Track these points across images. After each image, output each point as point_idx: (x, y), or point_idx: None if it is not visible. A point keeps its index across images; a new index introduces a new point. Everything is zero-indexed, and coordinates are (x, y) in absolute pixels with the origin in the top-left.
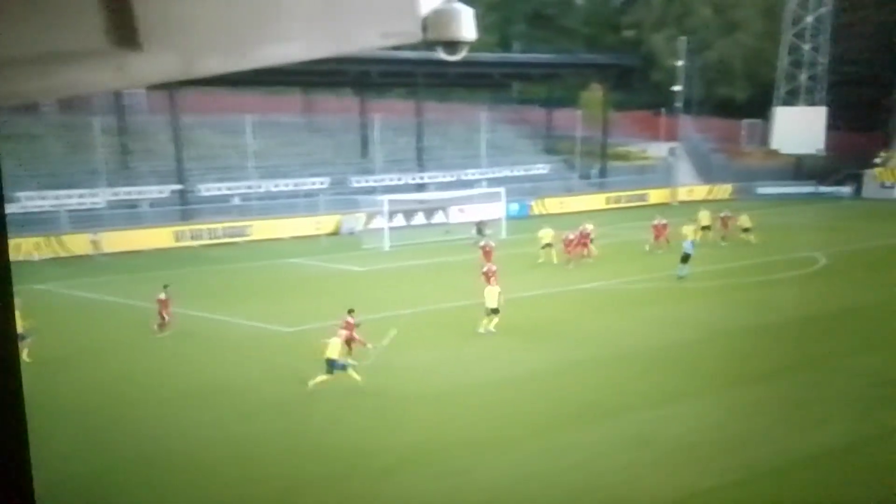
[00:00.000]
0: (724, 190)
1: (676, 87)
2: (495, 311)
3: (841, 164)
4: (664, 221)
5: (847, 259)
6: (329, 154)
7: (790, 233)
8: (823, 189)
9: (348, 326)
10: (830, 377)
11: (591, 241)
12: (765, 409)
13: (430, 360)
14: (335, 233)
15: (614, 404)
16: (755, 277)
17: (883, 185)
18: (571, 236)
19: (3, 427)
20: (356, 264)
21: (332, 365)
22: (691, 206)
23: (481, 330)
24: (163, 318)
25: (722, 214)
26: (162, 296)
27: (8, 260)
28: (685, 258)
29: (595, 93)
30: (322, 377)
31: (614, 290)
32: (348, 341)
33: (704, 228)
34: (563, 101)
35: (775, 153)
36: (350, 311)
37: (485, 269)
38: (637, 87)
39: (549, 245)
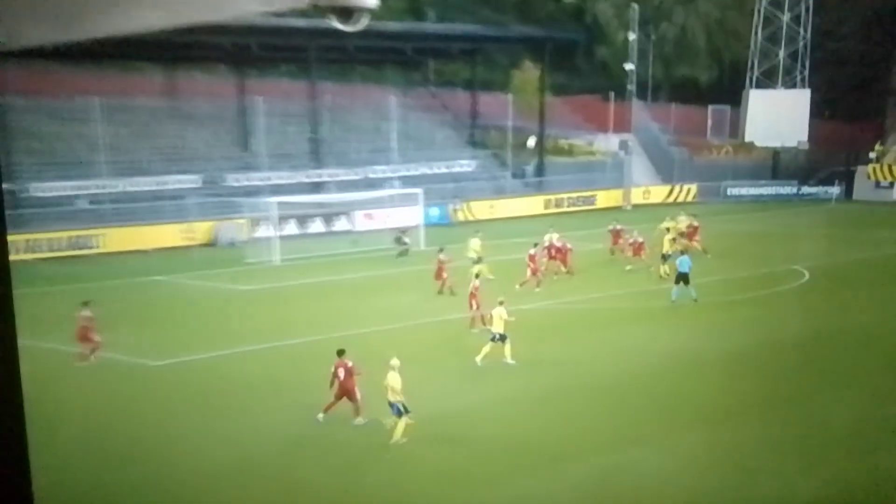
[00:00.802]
0: (687, 191)
1: (628, 67)
2: (502, 338)
3: (827, 159)
4: (619, 227)
5: (835, 273)
6: (201, 146)
7: (767, 243)
8: (807, 190)
9: (346, 370)
10: (809, 415)
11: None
12: (735, 453)
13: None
14: (211, 243)
15: (571, 447)
16: (727, 296)
17: (878, 185)
18: (534, 252)
19: (3, 429)
20: (238, 282)
21: (395, 408)
22: (647, 211)
23: (479, 359)
24: (89, 341)
25: (689, 222)
26: (86, 313)
27: (8, 264)
28: (683, 278)
29: (529, 73)
30: (394, 421)
31: (562, 312)
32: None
33: (680, 236)
34: (491, 84)
35: (749, 147)
36: (340, 353)
37: (471, 289)
38: (580, 67)
39: (479, 260)
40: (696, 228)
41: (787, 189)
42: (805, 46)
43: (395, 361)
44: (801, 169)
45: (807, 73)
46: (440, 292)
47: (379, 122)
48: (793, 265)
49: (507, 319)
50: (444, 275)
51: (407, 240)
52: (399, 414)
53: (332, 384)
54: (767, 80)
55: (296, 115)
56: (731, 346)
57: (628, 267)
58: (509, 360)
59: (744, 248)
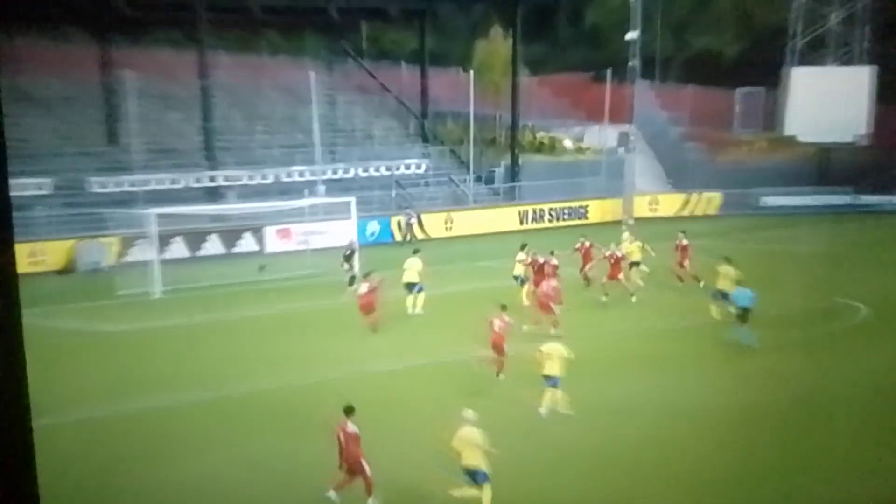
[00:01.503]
0: (707, 201)
1: (630, 36)
2: (555, 382)
3: (893, 160)
4: (587, 243)
5: None
6: (50, 139)
7: (813, 268)
8: (865, 199)
9: (347, 436)
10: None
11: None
12: None
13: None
14: (67, 269)
15: None
16: (771, 339)
17: None
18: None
19: (8, 429)
20: (105, 321)
21: (474, 476)
22: (655, 227)
23: (543, 410)
24: None
25: (678, 241)
26: None
27: (14, 265)
28: (742, 315)
29: (497, 44)
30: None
31: (593, 348)
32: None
33: (633, 265)
34: (447, 58)
35: (789, 142)
36: (348, 412)
37: (497, 326)
38: (565, 36)
39: (410, 285)
40: (685, 249)
41: (840, 198)
42: (865, 8)
43: (469, 413)
44: (858, 172)
45: (867, 43)
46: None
47: (295, 108)
48: (847, 298)
49: (568, 358)
50: (374, 307)
51: (355, 262)
52: (479, 483)
53: (340, 455)
54: (814, 53)
55: (181, 98)
56: (775, 399)
57: (604, 298)
58: (566, 410)
59: (782, 275)
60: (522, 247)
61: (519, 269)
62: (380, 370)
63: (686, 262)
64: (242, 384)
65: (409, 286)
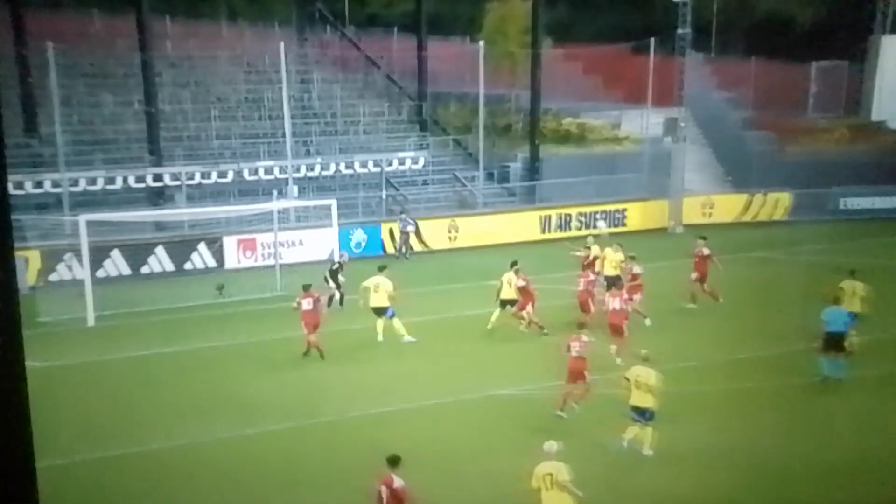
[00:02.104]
0: (775, 203)
1: None
2: (644, 415)
3: None
4: (589, 254)
5: None
6: None
7: None
8: None
9: (395, 495)
10: None
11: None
12: None
13: None
14: None
15: None
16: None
17: None
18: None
19: (8, 429)
20: (29, 356)
21: None
22: (709, 235)
23: (625, 442)
24: None
25: (698, 250)
26: None
27: (14, 268)
28: (834, 342)
29: (513, 7)
30: None
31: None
32: None
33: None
34: (450, 24)
35: (878, 130)
36: (393, 462)
37: (575, 350)
38: None
39: (379, 310)
40: (705, 260)
41: None
42: None
43: (552, 446)
44: None
45: None
46: (306, 353)
47: (260, 87)
48: None
49: (659, 386)
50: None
51: (341, 278)
52: None
53: None
54: None
55: (116, 75)
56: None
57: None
58: (647, 451)
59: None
60: (513, 265)
61: (508, 293)
62: (390, 410)
63: (703, 277)
64: (204, 431)
65: (379, 311)
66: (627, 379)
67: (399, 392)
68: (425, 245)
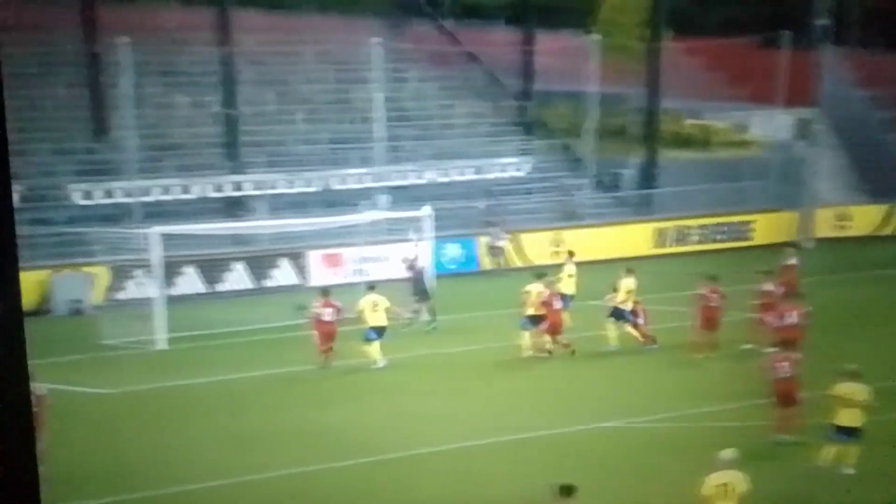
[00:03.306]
0: None
1: None
2: (851, 434)
3: None
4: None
5: None
6: (10, 130)
7: None
8: None
9: None
10: None
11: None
12: None
13: None
14: (40, 310)
15: None
16: None
17: None
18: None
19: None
20: (90, 382)
21: None
22: (841, 250)
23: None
24: None
25: (788, 261)
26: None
27: (17, 273)
28: None
29: None
30: None
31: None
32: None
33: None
34: (559, 16)
35: None
36: (567, 493)
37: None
38: None
39: (381, 330)
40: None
41: None
42: None
43: (728, 454)
44: None
45: None
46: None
47: (349, 87)
48: None
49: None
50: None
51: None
52: None
53: None
54: None
55: (191, 74)
56: None
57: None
58: (849, 469)
59: None
60: (540, 276)
61: (538, 309)
62: (487, 442)
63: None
64: (287, 465)
65: (379, 331)
66: (834, 397)
67: (492, 422)
68: (526, 260)
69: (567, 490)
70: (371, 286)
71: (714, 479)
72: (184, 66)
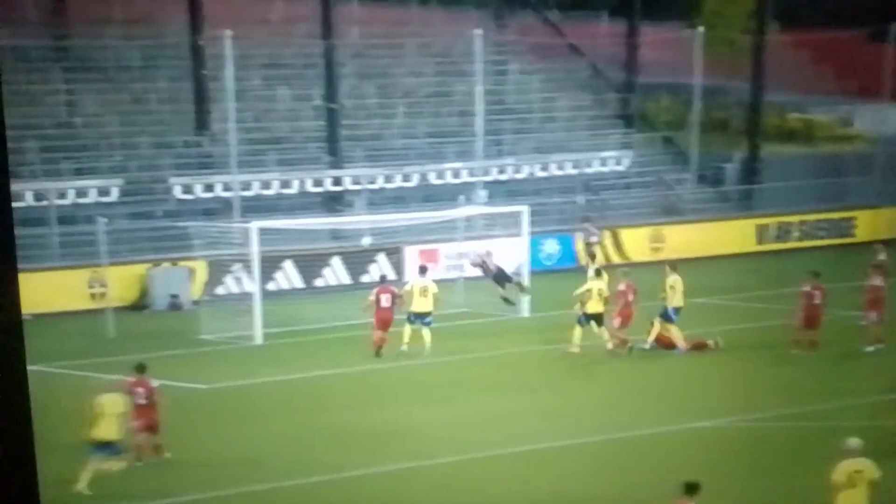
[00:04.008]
0: None
1: None
2: None
3: None
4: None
5: None
6: (111, 122)
7: None
8: None
9: None
10: None
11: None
12: None
13: None
14: (139, 304)
15: None
16: None
17: None
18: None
19: (9, 434)
20: (189, 376)
21: None
22: None
23: None
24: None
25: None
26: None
27: (16, 273)
28: None
29: None
30: None
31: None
32: None
33: None
34: (661, 8)
35: None
36: (693, 490)
37: None
38: None
39: (422, 315)
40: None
41: None
42: None
43: (854, 442)
44: None
45: None
46: (377, 354)
47: (450, 80)
48: None
49: None
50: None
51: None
52: None
53: None
54: None
55: (295, 66)
56: None
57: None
58: None
59: None
60: (598, 273)
61: (596, 306)
62: (581, 442)
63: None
64: (381, 463)
65: (420, 316)
66: None
67: (593, 420)
68: (625, 257)
69: (692, 488)
70: (423, 269)
71: (847, 466)
72: (286, 59)
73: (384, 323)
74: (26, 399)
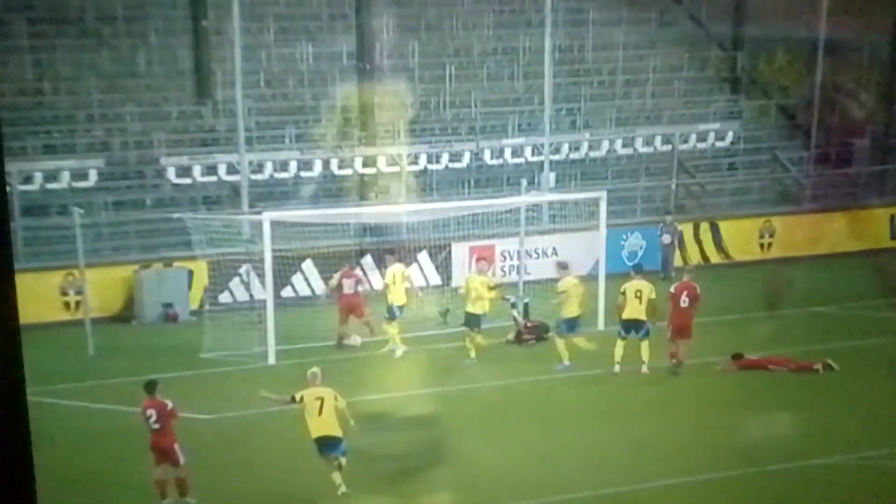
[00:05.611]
0: None
1: None
2: None
3: None
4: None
5: None
6: (91, 89)
7: None
8: None
9: None
10: None
11: None
12: None
13: None
14: (125, 316)
15: None
16: None
17: None
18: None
19: (6, 433)
20: (186, 404)
21: None
22: None
23: None
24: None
25: None
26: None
27: (13, 279)
28: None
29: None
30: None
31: None
32: None
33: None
34: None
35: None
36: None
37: None
38: None
39: (476, 319)
40: None
41: None
42: None
43: None
44: None
45: None
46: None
47: (513, 33)
48: None
49: None
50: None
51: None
52: None
53: None
54: None
55: (316, 18)
56: None
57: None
58: None
59: None
60: (638, 271)
61: (636, 311)
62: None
63: None
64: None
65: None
66: None
67: (709, 451)
68: (726, 255)
69: None
70: (391, 252)
71: None
72: (307, 8)
73: (348, 310)
74: (24, 412)
